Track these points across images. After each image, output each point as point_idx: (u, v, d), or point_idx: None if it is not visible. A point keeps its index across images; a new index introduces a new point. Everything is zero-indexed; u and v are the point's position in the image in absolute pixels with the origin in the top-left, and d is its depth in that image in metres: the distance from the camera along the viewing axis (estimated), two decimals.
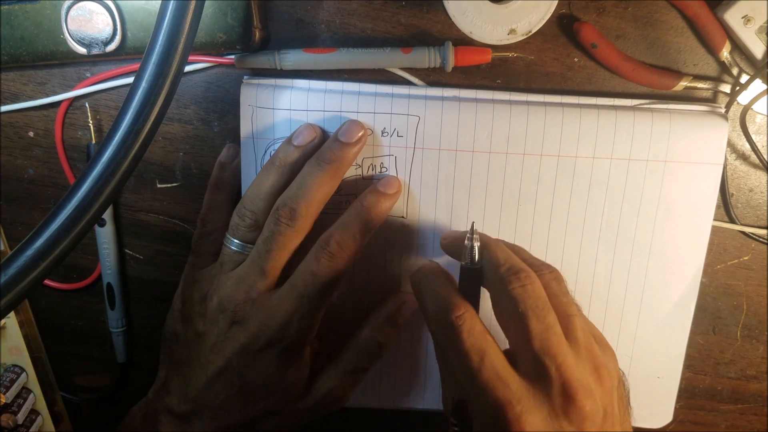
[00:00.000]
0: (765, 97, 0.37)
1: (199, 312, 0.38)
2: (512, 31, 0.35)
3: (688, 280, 0.40)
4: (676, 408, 0.42)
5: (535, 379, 0.29)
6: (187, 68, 0.39)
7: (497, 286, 0.31)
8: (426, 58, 0.37)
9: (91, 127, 0.40)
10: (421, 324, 0.41)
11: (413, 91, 0.38)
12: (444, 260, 0.38)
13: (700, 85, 0.38)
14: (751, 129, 0.39)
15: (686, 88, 0.38)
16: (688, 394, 0.44)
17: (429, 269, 0.34)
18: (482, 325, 0.31)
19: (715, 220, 0.40)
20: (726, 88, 0.38)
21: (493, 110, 0.37)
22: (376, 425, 0.45)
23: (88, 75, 0.40)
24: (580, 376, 0.29)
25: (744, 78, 0.38)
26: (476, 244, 0.33)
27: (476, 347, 0.29)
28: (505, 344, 0.31)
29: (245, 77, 0.39)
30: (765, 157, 0.39)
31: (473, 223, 0.33)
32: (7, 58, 0.37)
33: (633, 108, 0.38)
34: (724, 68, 0.38)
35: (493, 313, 0.32)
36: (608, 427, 0.29)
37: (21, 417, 0.40)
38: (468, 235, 0.33)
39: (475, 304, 0.32)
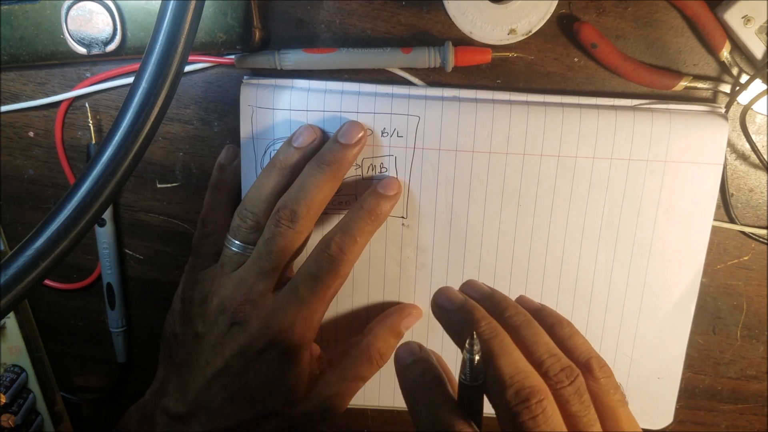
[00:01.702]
0: (765, 97, 0.37)
1: (199, 313, 0.38)
2: (512, 31, 0.35)
3: (688, 280, 0.40)
4: (675, 408, 0.42)
5: None
6: (187, 68, 0.39)
7: (504, 411, 0.27)
8: (426, 58, 0.37)
9: (91, 127, 0.40)
10: (421, 326, 0.41)
11: (413, 91, 0.38)
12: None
13: (700, 85, 0.38)
14: (751, 129, 0.39)
15: (686, 88, 0.38)
16: (688, 395, 0.44)
17: (423, 378, 0.30)
18: None
19: (715, 220, 0.40)
20: (726, 88, 0.38)
21: (493, 110, 0.37)
22: (376, 425, 0.45)
23: (88, 75, 0.40)
24: None
25: (744, 78, 0.38)
26: (477, 357, 0.26)
27: None
28: None
29: (245, 77, 0.39)
30: (765, 157, 0.39)
31: (473, 334, 0.26)
32: (7, 58, 0.37)
33: (633, 108, 0.38)
34: (724, 68, 0.38)
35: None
36: None
37: (21, 417, 0.40)
38: (467, 347, 0.26)
39: (478, 421, 0.28)
